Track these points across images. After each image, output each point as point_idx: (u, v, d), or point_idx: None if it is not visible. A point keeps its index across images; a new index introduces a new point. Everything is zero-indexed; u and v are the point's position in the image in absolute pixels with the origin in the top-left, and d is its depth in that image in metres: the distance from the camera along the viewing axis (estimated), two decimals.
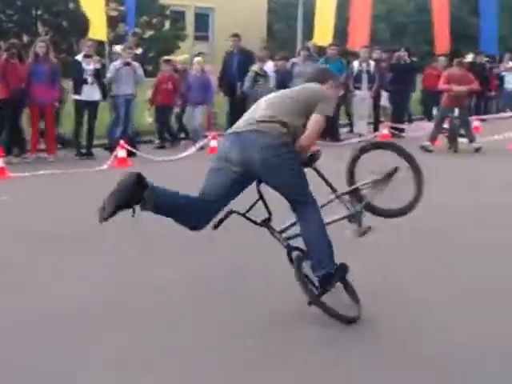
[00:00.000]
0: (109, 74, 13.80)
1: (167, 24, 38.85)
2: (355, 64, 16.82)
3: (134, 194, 5.09)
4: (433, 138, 14.56)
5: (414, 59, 20.23)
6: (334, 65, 16.02)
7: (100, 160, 12.63)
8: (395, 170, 6.01)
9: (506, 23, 44.59)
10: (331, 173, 5.83)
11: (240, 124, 5.45)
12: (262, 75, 15.32)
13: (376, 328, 5.17)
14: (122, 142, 12.67)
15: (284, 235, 5.58)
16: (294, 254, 5.46)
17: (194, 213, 5.38)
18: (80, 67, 13.33)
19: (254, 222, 5.56)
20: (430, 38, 27.89)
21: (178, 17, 39.60)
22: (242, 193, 5.45)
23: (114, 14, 30.01)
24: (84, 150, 13.48)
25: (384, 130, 16.48)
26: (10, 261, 6.75)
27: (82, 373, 4.46)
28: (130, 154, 12.85)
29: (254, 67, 15.58)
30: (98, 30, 16.89)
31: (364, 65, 16.66)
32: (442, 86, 14.83)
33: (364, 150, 6.23)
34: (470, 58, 21.55)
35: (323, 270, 5.22)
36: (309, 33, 23.77)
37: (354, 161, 6.20)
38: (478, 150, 14.16)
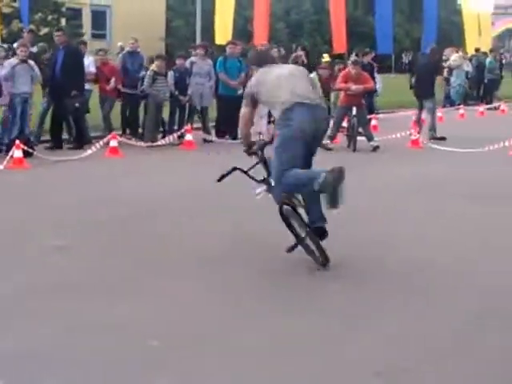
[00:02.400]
0: (3, 72, 13.40)
1: (63, 21, 38.13)
2: None
3: None
4: (332, 137, 14.73)
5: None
6: (232, 63, 16.03)
7: None
8: None
9: (400, 23, 45.78)
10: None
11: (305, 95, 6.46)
12: (160, 74, 15.13)
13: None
14: (17, 142, 12.32)
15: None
16: (285, 207, 6.49)
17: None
18: None
19: (255, 179, 6.66)
20: (327, 38, 28.30)
21: (75, 14, 39.01)
22: None
23: (8, 10, 29.34)
24: None
25: None
26: None
27: None
28: (27, 154, 12.51)
29: (153, 66, 15.37)
30: None
31: None
32: (339, 85, 14.99)
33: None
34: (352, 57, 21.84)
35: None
36: (208, 30, 23.82)
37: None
38: (375, 148, 14.38)
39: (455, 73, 25.36)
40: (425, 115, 16.64)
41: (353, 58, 18.50)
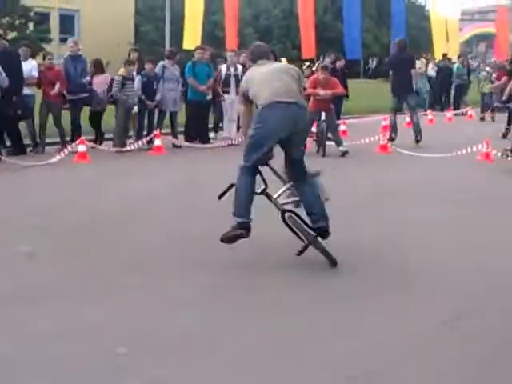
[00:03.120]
0: None
1: (31, 25, 37.90)
2: (223, 68, 16.78)
3: None
4: None
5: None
6: (201, 68, 16.00)
7: None
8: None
9: (369, 28, 46.03)
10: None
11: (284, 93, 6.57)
12: (129, 79, 15.04)
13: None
14: None
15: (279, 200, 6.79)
16: (287, 214, 6.66)
17: None
18: None
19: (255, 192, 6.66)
20: (296, 43, 28.34)
21: (43, 18, 38.75)
22: None
23: None
24: None
25: None
26: None
27: None
28: None
29: (121, 71, 15.28)
30: None
31: (232, 69, 16.65)
32: (308, 90, 14.94)
33: None
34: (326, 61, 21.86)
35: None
36: (176, 35, 23.80)
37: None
38: (344, 153, 14.41)
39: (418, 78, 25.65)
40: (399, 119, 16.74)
41: (325, 62, 18.56)
